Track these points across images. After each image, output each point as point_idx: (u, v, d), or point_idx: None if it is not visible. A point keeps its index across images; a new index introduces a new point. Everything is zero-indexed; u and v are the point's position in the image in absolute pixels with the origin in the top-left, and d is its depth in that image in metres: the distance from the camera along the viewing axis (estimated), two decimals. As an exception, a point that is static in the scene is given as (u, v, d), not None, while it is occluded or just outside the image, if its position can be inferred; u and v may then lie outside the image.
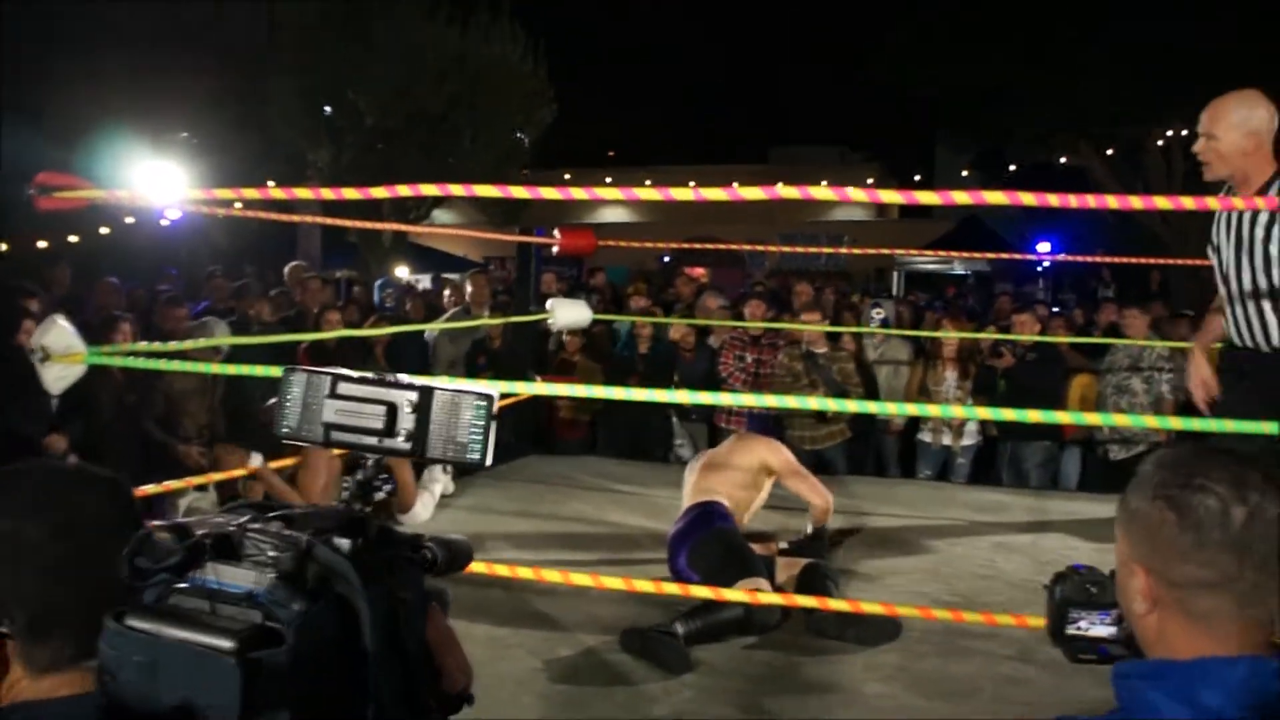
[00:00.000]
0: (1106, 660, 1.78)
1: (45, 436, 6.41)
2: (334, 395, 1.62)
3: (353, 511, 1.52)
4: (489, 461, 1.58)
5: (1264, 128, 4.20)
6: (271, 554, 1.34)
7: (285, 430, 1.65)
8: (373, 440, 1.59)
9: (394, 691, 1.39)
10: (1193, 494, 1.43)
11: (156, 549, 1.30)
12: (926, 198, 3.08)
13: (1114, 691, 1.51)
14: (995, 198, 3.10)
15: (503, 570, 3.81)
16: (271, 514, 1.42)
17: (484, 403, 1.58)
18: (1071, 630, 1.85)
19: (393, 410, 1.58)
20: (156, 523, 1.35)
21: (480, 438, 1.58)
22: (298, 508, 1.46)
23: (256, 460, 5.58)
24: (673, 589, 3.91)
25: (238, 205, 7.53)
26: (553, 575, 3.79)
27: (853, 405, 4.28)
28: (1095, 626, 1.83)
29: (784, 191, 3.25)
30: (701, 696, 4.16)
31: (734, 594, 4.21)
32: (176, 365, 5.07)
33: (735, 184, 3.61)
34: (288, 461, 5.73)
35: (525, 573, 3.83)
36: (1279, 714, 1.37)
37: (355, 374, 1.63)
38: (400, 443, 1.59)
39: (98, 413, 6.85)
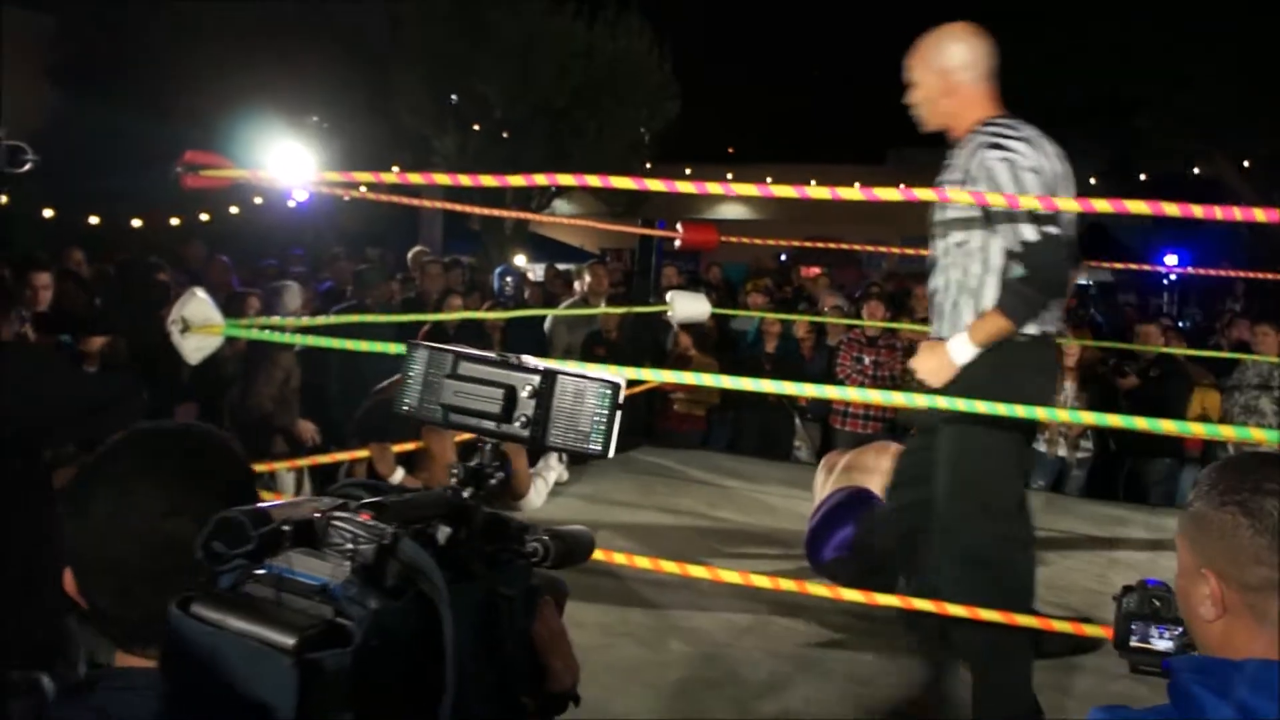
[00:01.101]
0: (1167, 673, 1.74)
1: (179, 405, 6.65)
2: (454, 375, 1.54)
3: (458, 499, 1.43)
4: (611, 453, 1.49)
5: (957, 63, 3.67)
6: (352, 545, 1.25)
7: (406, 407, 1.58)
8: (490, 425, 1.50)
9: (484, 694, 1.30)
10: (1264, 498, 1.44)
11: (234, 533, 1.23)
12: (1067, 204, 3.03)
13: (1167, 687, 1.52)
14: (1138, 207, 3.04)
15: (620, 558, 3.84)
16: (368, 500, 1.32)
17: (609, 391, 1.49)
18: (1135, 642, 1.88)
19: (511, 394, 1.50)
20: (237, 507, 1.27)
21: (603, 427, 1.49)
22: (397, 494, 1.36)
23: (399, 475, 5.67)
24: (789, 585, 3.90)
25: (363, 189, 7.69)
26: (670, 566, 3.81)
27: (981, 407, 4.22)
28: (1158, 640, 1.86)
29: (921, 194, 3.23)
30: (811, 695, 4.16)
31: (852, 594, 4.18)
32: (312, 340, 5.18)
33: (857, 184, 3.60)
34: (409, 446, 5.82)
35: (642, 562, 3.86)
36: None
37: (479, 353, 1.55)
38: (518, 429, 1.51)
39: (225, 386, 7.05)
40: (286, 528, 1.26)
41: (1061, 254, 3.41)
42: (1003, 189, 3.30)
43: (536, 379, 1.49)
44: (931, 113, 3.73)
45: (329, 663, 1.15)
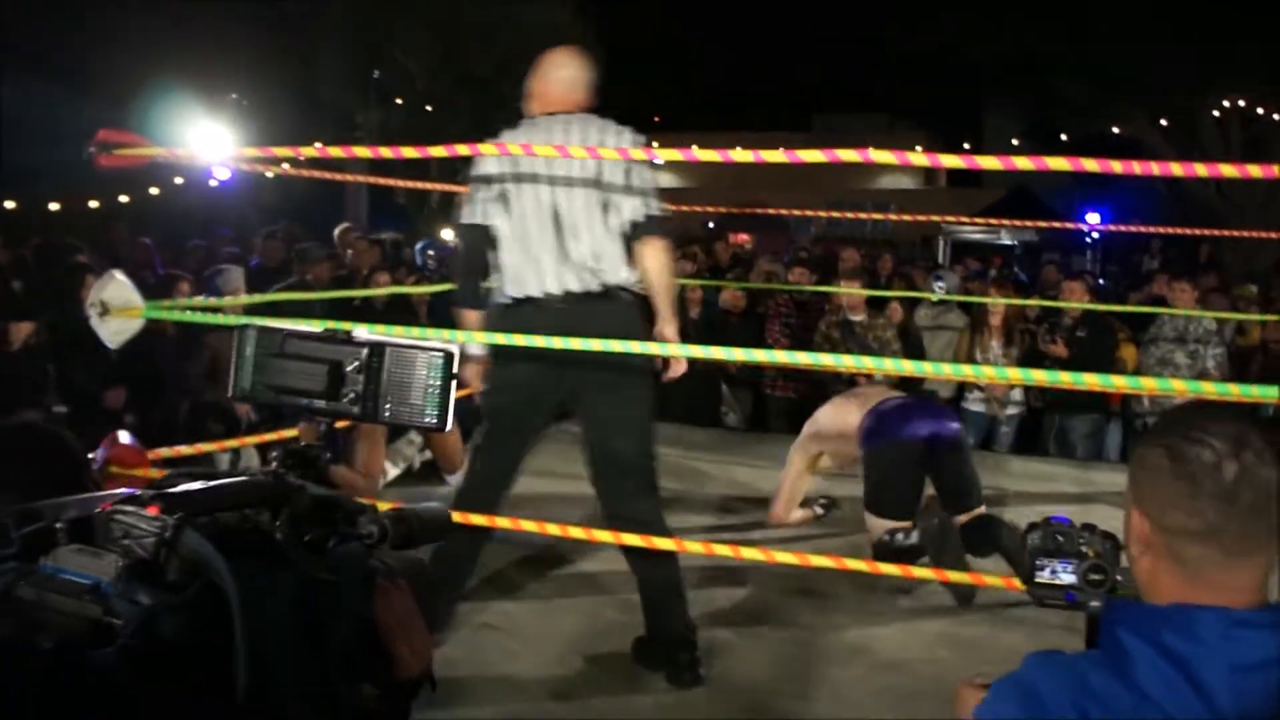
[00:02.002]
0: (1072, 606, 1.87)
1: (104, 391, 6.54)
2: (282, 354, 1.49)
3: (278, 484, 1.34)
4: (448, 425, 1.45)
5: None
6: (127, 541, 1.18)
7: (239, 390, 1.52)
8: (320, 403, 1.46)
9: (305, 685, 1.22)
10: (1190, 445, 1.47)
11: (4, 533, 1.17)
12: (988, 162, 3.06)
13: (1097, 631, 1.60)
14: (1058, 163, 3.07)
15: (553, 529, 3.84)
16: (154, 491, 1.23)
17: (441, 359, 1.44)
18: (1040, 577, 1.93)
19: (337, 370, 1.45)
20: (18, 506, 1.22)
21: (438, 398, 1.45)
22: (205, 481, 1.29)
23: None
24: (724, 550, 3.92)
25: (285, 165, 7.58)
26: (603, 535, 3.82)
27: (908, 367, 4.29)
28: (1062, 574, 1.89)
29: (844, 155, 3.24)
30: (743, 653, 4.20)
31: (751, 552, 4.21)
32: (232, 320, 5.11)
33: (782, 149, 3.61)
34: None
35: (576, 532, 3.86)
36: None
37: (307, 330, 1.51)
38: (346, 405, 1.47)
39: (153, 369, 6.94)
40: (59, 525, 1.20)
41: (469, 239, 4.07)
42: None
43: (363, 352, 1.45)
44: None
45: (92, 662, 1.09)
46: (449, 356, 1.42)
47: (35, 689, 1.05)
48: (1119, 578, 1.85)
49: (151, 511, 1.19)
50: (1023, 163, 3.06)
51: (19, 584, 1.15)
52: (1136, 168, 3.08)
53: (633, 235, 3.92)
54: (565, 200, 3.90)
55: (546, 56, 4.19)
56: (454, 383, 1.44)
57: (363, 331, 1.47)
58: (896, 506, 5.13)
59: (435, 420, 1.43)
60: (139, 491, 1.23)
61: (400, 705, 1.40)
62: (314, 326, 1.53)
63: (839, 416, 5.77)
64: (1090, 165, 2.94)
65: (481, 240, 4.00)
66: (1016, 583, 3.61)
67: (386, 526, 1.36)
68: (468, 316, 4.13)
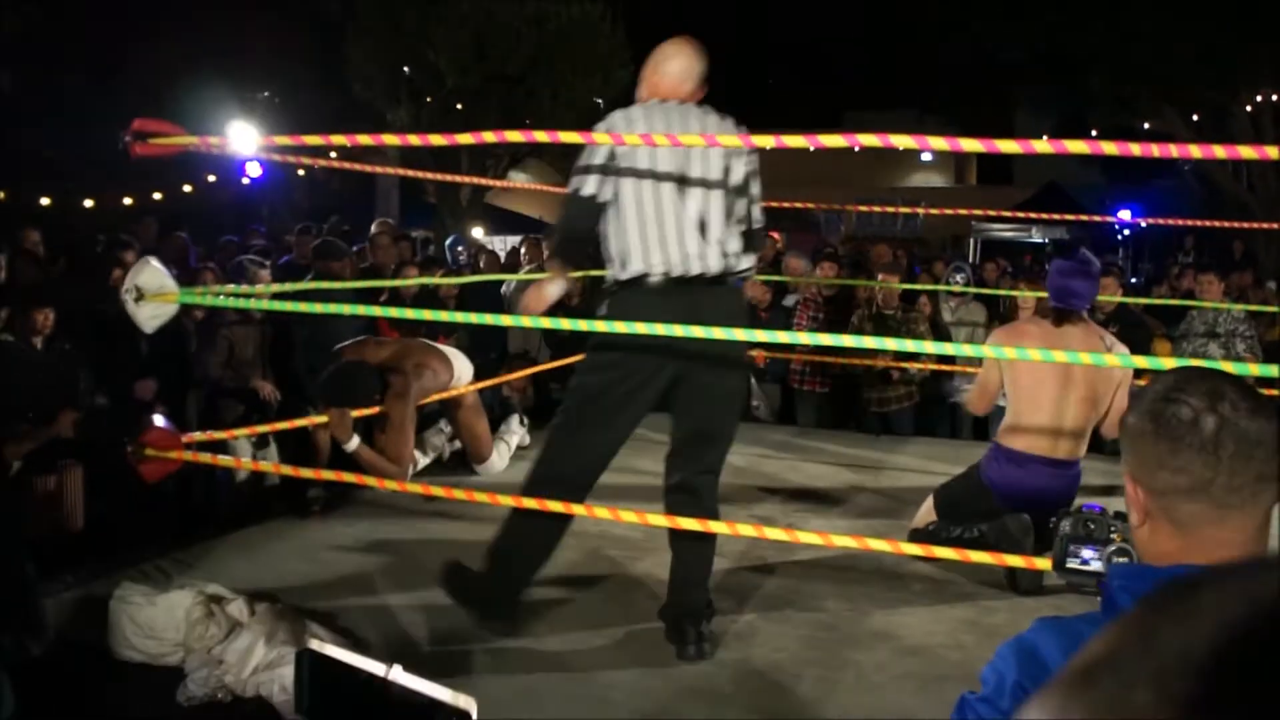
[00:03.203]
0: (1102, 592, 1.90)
1: (133, 383, 6.62)
2: None
3: None
4: None
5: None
6: None
7: None
8: None
9: None
10: (1168, 405, 1.49)
11: None
12: (1007, 146, 3.07)
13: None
14: (1077, 147, 3.08)
15: (579, 510, 3.88)
16: None
17: None
18: (1072, 563, 1.95)
19: None
20: None
21: None
22: None
23: (354, 444, 5.69)
24: (748, 530, 3.95)
25: (318, 163, 7.66)
26: (629, 515, 3.86)
27: (929, 346, 4.31)
28: (1091, 561, 1.96)
29: (864, 139, 3.27)
30: (768, 637, 4.22)
31: (775, 532, 4.23)
32: (267, 304, 5.18)
33: (813, 147, 3.63)
34: (369, 412, 5.85)
35: (601, 512, 3.90)
36: None
37: None
38: None
39: (182, 360, 7.03)
40: None
41: (578, 209, 4.01)
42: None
43: None
44: None
45: None
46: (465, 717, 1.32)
47: None
48: None
49: None
50: (1041, 146, 3.08)
51: None
52: (1155, 150, 3.09)
53: (748, 240, 4.06)
54: (696, 188, 3.93)
55: (660, 47, 4.20)
56: None
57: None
58: (954, 512, 5.14)
59: None
60: None
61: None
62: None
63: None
64: (1109, 149, 2.95)
65: (594, 214, 4.01)
66: (1042, 563, 3.63)
67: None
68: (561, 269, 4.28)
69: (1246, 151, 3.30)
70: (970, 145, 3.15)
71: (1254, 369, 3.07)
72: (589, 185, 3.98)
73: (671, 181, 3.91)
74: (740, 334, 3.55)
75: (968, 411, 5.73)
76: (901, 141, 3.30)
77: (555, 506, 3.84)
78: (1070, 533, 2.00)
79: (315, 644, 1.46)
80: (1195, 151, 3.19)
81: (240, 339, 6.96)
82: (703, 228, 3.93)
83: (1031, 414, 5.00)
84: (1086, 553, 1.98)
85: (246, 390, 6.98)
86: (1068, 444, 4.98)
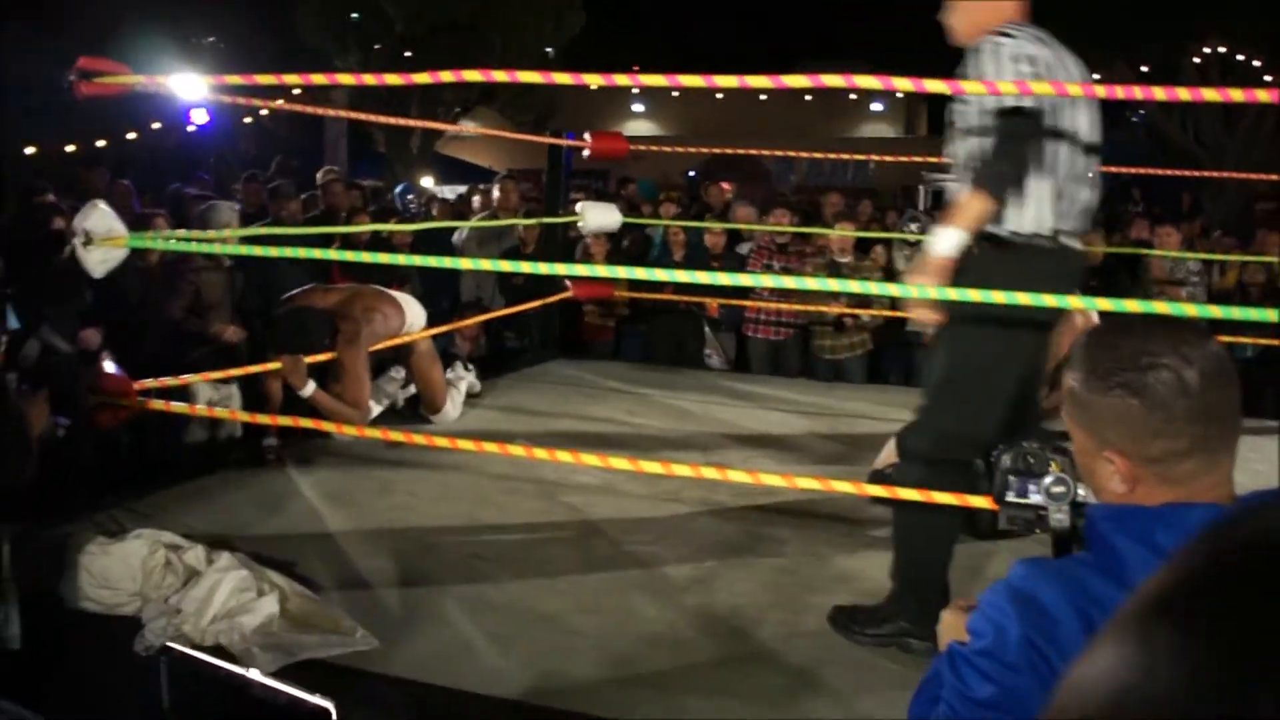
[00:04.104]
0: (1040, 526, 1.93)
1: (80, 331, 6.50)
2: None
3: None
4: None
5: None
6: None
7: None
8: None
9: None
10: (1145, 373, 1.46)
11: None
12: (972, 88, 3.05)
13: (1085, 535, 1.58)
14: (1006, 88, 3.06)
15: (540, 454, 3.86)
16: None
17: None
18: (1011, 497, 1.95)
19: None
20: None
21: None
22: None
23: (310, 389, 5.62)
24: (711, 473, 3.94)
25: (268, 103, 7.51)
26: (590, 459, 3.85)
27: (882, 288, 4.33)
28: (1033, 494, 1.94)
29: (828, 80, 3.23)
30: (729, 582, 4.22)
31: (738, 474, 4.23)
32: (216, 248, 5.09)
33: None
34: (322, 358, 5.78)
35: (563, 456, 3.89)
36: None
37: None
38: None
39: (129, 307, 6.91)
40: None
41: (1033, 127, 3.23)
42: (984, 70, 3.22)
43: None
44: (956, 26, 3.52)
45: None
46: None
47: None
48: (1081, 491, 1.87)
49: None
50: (1006, 88, 3.05)
51: None
52: (1100, 91, 3.09)
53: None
54: (1087, 131, 3.43)
55: None
56: None
57: None
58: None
59: None
60: None
61: None
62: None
63: None
64: (1043, 89, 2.94)
65: (1038, 135, 3.26)
66: (979, 501, 3.64)
67: None
68: (982, 205, 3.28)
69: (1184, 93, 3.27)
70: (935, 86, 3.13)
71: (1191, 310, 3.07)
72: (1038, 101, 3.23)
73: (1077, 116, 3.38)
74: (704, 277, 3.52)
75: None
76: (865, 82, 3.28)
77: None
78: (1010, 465, 1.99)
79: (177, 647, 1.50)
80: (1152, 94, 3.19)
81: (207, 284, 6.82)
82: (1089, 175, 3.45)
83: None
84: (1027, 485, 1.98)
85: (208, 335, 6.86)
86: None
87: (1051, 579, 1.51)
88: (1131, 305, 3.05)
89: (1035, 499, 1.96)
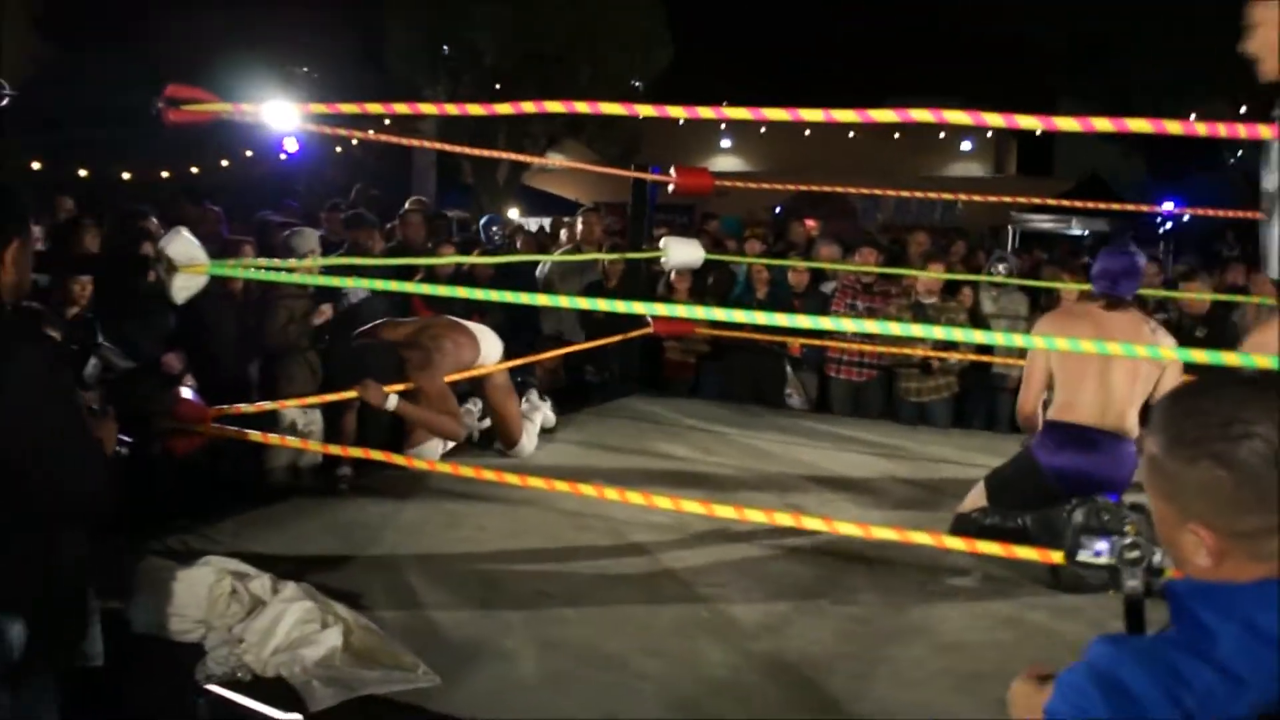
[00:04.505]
0: (1113, 587, 1.85)
1: (163, 355, 6.56)
2: None
3: None
4: None
5: None
6: None
7: None
8: None
9: None
10: (1236, 444, 1.36)
11: None
12: (1065, 124, 2.97)
13: (1169, 611, 1.46)
14: (1102, 125, 2.98)
15: (611, 494, 3.79)
16: None
17: None
18: (1084, 555, 1.89)
19: None
20: None
21: None
22: None
23: (393, 401, 5.63)
24: (786, 519, 3.85)
25: (356, 133, 7.60)
26: (663, 502, 3.77)
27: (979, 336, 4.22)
28: (1104, 554, 1.86)
29: (917, 115, 3.16)
30: (801, 629, 4.12)
31: (813, 521, 4.11)
32: (295, 278, 5.12)
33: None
34: (399, 387, 5.78)
35: (635, 498, 3.83)
36: None
37: None
38: None
39: (217, 333, 6.97)
40: None
41: None
42: None
43: None
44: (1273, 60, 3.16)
45: None
46: None
47: None
48: (1156, 555, 1.80)
49: None
50: (1102, 124, 2.96)
51: None
52: (1201, 129, 2.97)
53: None
54: None
55: None
56: None
57: None
58: (1005, 494, 5.04)
59: None
60: None
61: None
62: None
63: None
64: (1140, 126, 2.84)
65: None
66: (1056, 556, 3.51)
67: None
68: None
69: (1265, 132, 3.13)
70: (1028, 122, 3.04)
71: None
72: None
73: None
74: (782, 319, 3.44)
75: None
76: (955, 117, 3.19)
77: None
78: (1083, 523, 1.91)
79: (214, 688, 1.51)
80: (1239, 132, 3.07)
81: (297, 310, 6.89)
82: None
83: (1076, 388, 4.95)
84: (1099, 544, 1.88)
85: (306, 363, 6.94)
86: (1114, 415, 4.90)
87: (1138, 661, 1.40)
88: (1230, 358, 2.89)
89: (1106, 559, 1.87)
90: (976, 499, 5.16)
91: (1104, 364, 4.87)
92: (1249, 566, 1.39)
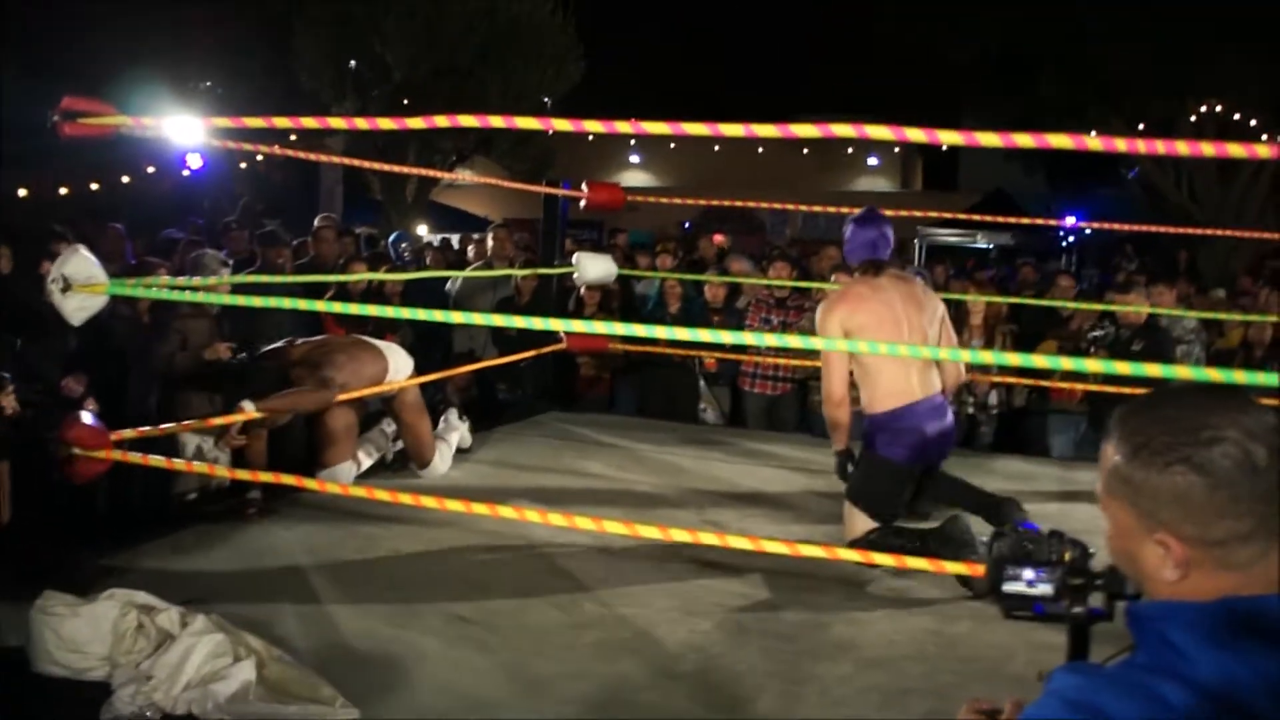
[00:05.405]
0: (1040, 618, 1.81)
1: (61, 379, 6.35)
2: None
3: None
4: None
5: None
6: None
7: None
8: None
9: None
10: (1207, 449, 1.34)
11: None
12: (987, 139, 2.97)
13: (1131, 634, 1.40)
14: (1025, 141, 3.00)
15: (533, 516, 3.71)
16: None
17: None
18: (1013, 586, 1.83)
19: None
20: None
21: None
22: None
23: (249, 407, 5.41)
24: (710, 538, 3.80)
25: (262, 148, 7.43)
26: (585, 523, 3.70)
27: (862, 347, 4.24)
28: (1035, 585, 1.82)
29: (839, 130, 3.13)
30: (726, 649, 4.08)
31: (739, 540, 4.09)
32: (201, 296, 4.97)
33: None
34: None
35: (556, 519, 3.75)
36: None
37: None
38: None
39: (116, 355, 6.77)
40: None
41: None
42: None
43: None
44: None
45: None
46: None
47: None
48: (1098, 580, 1.77)
49: None
50: (1024, 140, 2.96)
51: None
52: (1121, 145, 3.01)
53: None
54: None
55: None
56: None
57: None
58: (884, 507, 5.05)
59: None
60: None
61: None
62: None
63: None
64: (1061, 142, 2.87)
65: None
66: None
67: None
68: None
69: (1182, 148, 3.20)
70: (949, 137, 3.03)
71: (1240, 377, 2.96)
72: None
73: None
74: (705, 334, 3.40)
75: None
76: (877, 132, 3.17)
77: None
78: (1008, 554, 1.86)
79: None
80: (1134, 147, 3.13)
81: (194, 331, 6.65)
82: None
83: (886, 371, 5.09)
84: (1029, 574, 1.84)
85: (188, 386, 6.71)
86: (925, 381, 5.11)
87: (1114, 687, 1.33)
88: (1183, 372, 2.91)
89: (1043, 588, 1.83)
90: (861, 523, 5.10)
91: (896, 335, 5.01)
92: (1217, 577, 1.35)
